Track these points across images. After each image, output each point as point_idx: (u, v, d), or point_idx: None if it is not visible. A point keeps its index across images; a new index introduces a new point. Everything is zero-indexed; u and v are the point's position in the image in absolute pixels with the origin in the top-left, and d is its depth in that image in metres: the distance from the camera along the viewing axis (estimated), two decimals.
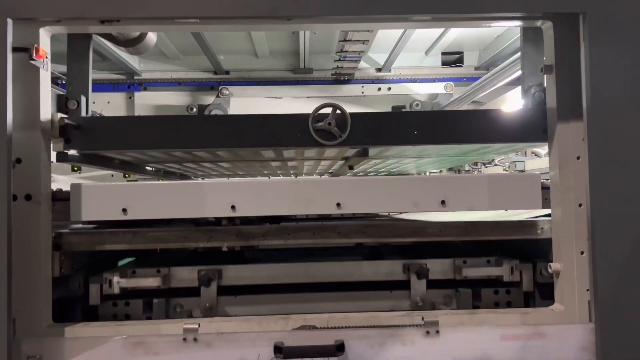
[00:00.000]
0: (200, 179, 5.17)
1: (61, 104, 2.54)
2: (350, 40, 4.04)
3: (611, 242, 2.15)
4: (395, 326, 2.26)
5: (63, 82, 2.98)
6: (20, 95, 2.17)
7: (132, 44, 3.08)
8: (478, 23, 2.52)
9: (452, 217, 2.92)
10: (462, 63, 5.26)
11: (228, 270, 2.62)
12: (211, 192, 2.34)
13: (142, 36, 3.04)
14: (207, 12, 2.19)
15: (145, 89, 5.19)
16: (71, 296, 2.51)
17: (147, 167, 3.85)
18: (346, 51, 4.32)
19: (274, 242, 2.53)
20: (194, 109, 5.10)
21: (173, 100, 5.22)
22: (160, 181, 3.31)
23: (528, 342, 2.23)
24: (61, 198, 2.32)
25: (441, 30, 4.49)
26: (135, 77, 5.15)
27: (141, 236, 2.50)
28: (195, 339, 2.18)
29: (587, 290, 2.25)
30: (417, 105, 5.23)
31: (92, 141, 2.40)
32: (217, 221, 2.80)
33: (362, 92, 5.22)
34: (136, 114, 5.14)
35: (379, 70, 5.21)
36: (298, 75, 5.18)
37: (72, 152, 2.46)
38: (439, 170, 6.02)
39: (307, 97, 5.24)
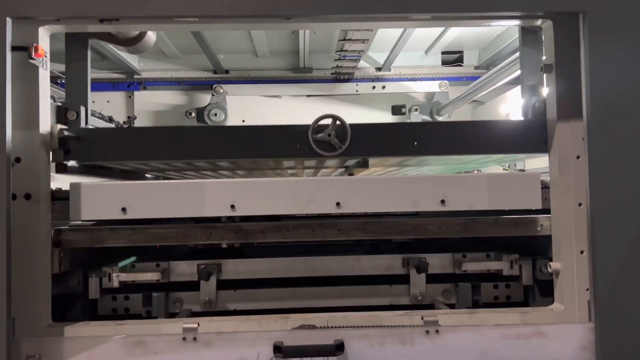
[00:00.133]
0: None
1: (60, 115, 2.54)
2: (350, 40, 4.04)
3: (611, 242, 2.15)
4: (395, 326, 2.26)
5: (62, 81, 2.98)
6: (19, 94, 2.17)
7: (132, 43, 3.07)
8: (478, 22, 2.52)
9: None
10: (462, 62, 5.26)
11: (227, 264, 2.62)
12: (211, 191, 2.34)
13: (141, 35, 3.03)
14: (207, 11, 2.19)
15: (144, 88, 5.19)
16: (71, 292, 2.51)
17: (146, 175, 3.85)
18: (346, 50, 4.32)
19: (273, 239, 2.52)
20: (193, 114, 5.07)
21: (173, 99, 5.22)
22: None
23: (528, 341, 2.23)
24: (60, 197, 2.32)
25: (441, 29, 4.48)
26: (135, 76, 5.15)
27: (140, 233, 2.50)
28: (194, 339, 2.18)
29: (587, 289, 2.25)
30: (417, 110, 5.22)
31: (92, 153, 2.41)
32: (217, 218, 2.79)
33: (357, 90, 5.21)
34: (136, 113, 5.15)
35: (379, 69, 5.21)
36: (298, 75, 5.18)
37: (71, 163, 2.46)
38: None
39: (307, 95, 5.24)
